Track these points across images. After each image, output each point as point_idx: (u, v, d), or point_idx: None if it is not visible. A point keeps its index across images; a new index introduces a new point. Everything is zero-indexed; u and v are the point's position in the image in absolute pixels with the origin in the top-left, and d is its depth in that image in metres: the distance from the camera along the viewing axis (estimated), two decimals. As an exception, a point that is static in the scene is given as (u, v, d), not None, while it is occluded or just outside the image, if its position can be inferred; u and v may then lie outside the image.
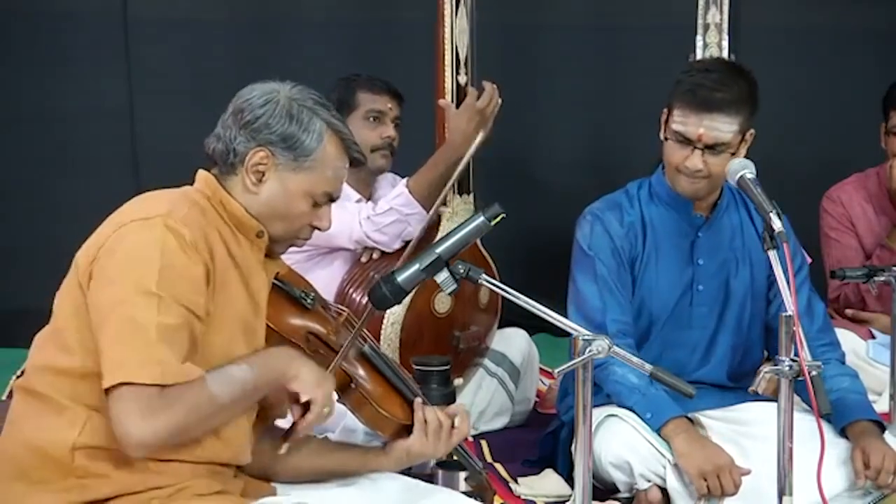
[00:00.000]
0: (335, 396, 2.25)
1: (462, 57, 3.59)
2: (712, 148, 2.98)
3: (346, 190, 3.69)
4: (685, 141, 3.01)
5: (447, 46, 3.57)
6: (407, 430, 2.41)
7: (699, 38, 3.68)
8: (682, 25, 3.84)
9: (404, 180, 3.61)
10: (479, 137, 3.51)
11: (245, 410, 2.21)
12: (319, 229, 2.34)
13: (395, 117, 3.81)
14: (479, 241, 3.72)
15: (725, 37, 3.68)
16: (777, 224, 2.60)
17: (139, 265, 2.08)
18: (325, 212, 2.33)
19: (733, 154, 3.00)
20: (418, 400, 2.42)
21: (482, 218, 2.33)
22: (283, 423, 2.41)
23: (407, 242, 3.59)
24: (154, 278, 2.06)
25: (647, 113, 3.33)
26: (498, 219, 2.32)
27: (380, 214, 3.56)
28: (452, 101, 3.59)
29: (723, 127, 2.98)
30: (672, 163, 3.06)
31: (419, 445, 2.40)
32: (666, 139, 3.06)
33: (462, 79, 3.59)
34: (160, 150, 4.78)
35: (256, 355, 2.20)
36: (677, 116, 3.01)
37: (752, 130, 3.05)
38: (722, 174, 2.98)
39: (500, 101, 3.58)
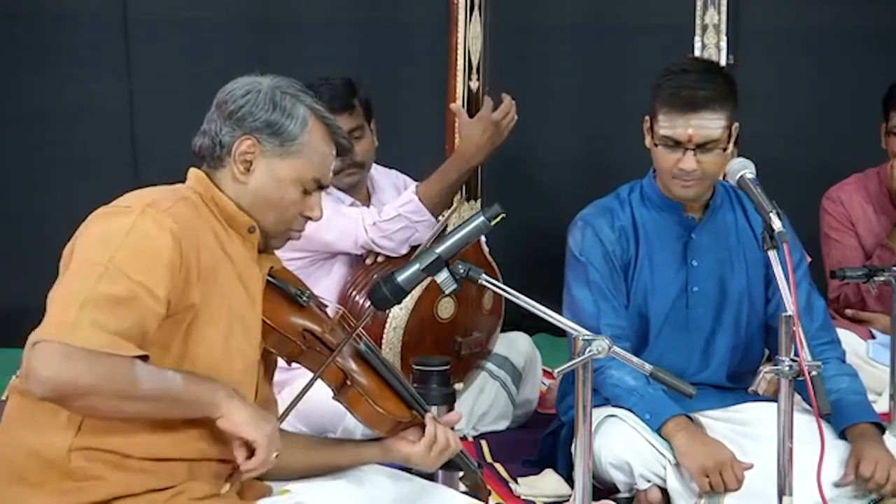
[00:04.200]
0: (275, 445, 2.16)
1: (475, 63, 3.56)
2: (703, 146, 2.99)
3: (338, 193, 3.68)
4: (675, 144, 3.01)
5: (460, 52, 3.54)
6: (403, 427, 2.42)
7: (697, 39, 3.68)
8: (681, 26, 3.84)
9: (413, 186, 3.59)
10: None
11: (160, 416, 2.10)
12: (311, 219, 2.34)
13: (352, 129, 3.60)
14: (482, 245, 3.72)
15: (724, 38, 3.69)
16: (777, 224, 2.60)
17: (102, 244, 2.10)
18: (316, 200, 2.33)
19: (724, 150, 3.01)
20: (430, 414, 2.42)
21: (482, 218, 2.33)
22: (284, 424, 2.41)
23: (413, 248, 3.58)
24: (109, 254, 2.07)
25: (645, 114, 3.33)
26: (498, 219, 2.32)
27: (387, 221, 3.53)
28: (463, 107, 3.56)
29: (710, 124, 2.98)
30: (665, 168, 3.06)
31: (420, 458, 2.40)
32: (655, 145, 3.06)
33: (474, 85, 3.56)
34: (160, 150, 4.78)
35: (197, 376, 2.12)
36: (663, 121, 3.01)
37: (736, 124, 3.06)
38: (716, 173, 3.00)
39: (516, 116, 3.57)
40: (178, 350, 2.15)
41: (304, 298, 2.35)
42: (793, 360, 2.44)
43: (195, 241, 2.15)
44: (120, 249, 2.07)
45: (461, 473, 2.63)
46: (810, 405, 2.50)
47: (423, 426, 2.42)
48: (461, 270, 2.34)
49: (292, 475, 2.40)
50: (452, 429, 2.48)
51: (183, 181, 2.32)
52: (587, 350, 2.26)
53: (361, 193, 3.80)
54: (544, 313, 2.33)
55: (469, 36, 3.55)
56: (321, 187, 2.33)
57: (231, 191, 2.28)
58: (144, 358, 2.05)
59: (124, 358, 2.01)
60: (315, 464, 2.41)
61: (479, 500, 2.54)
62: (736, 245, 3.20)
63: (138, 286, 2.05)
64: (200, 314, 2.15)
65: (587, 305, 3.12)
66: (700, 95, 2.98)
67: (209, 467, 2.21)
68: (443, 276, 2.32)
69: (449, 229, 3.58)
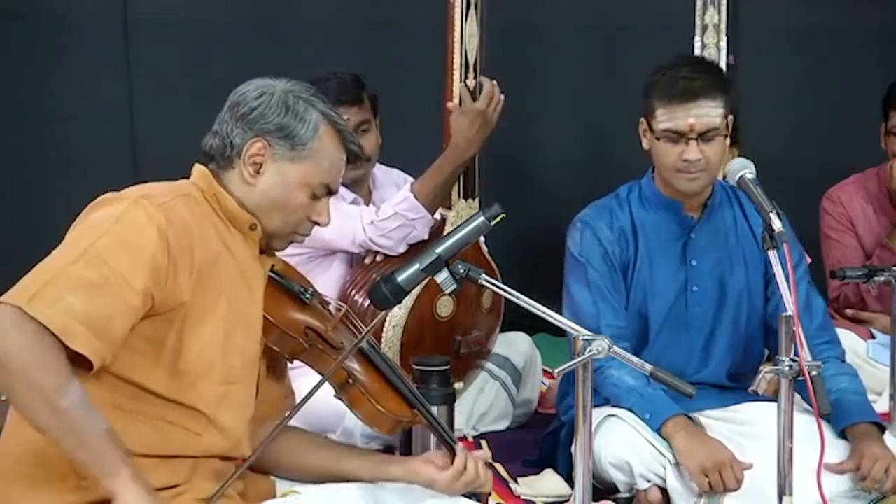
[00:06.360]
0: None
1: (471, 62, 3.55)
2: (704, 135, 3.00)
3: (341, 189, 3.67)
4: (677, 136, 3.02)
5: (456, 50, 3.53)
6: (404, 426, 2.42)
7: (697, 38, 3.68)
8: (681, 26, 3.84)
9: (408, 184, 3.59)
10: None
11: (59, 442, 1.98)
12: (319, 224, 2.34)
13: (360, 123, 3.66)
14: (482, 245, 3.72)
15: (724, 38, 3.69)
16: (777, 224, 2.61)
17: (89, 228, 2.11)
18: (324, 206, 2.33)
19: (725, 137, 3.04)
20: (461, 446, 2.41)
21: (482, 218, 2.33)
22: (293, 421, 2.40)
23: (412, 245, 3.57)
24: (93, 238, 2.07)
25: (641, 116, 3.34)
26: (498, 219, 2.33)
27: (384, 220, 3.52)
28: (460, 106, 3.55)
29: (710, 112, 3.01)
30: (668, 164, 3.06)
31: (445, 487, 2.37)
32: (657, 140, 3.06)
33: (471, 83, 3.54)
34: (160, 150, 4.77)
35: (118, 443, 2.00)
36: (663, 115, 3.03)
37: (731, 116, 3.08)
38: (718, 162, 3.03)
39: (502, 97, 3.56)
40: (173, 346, 2.15)
41: (308, 295, 2.36)
42: (793, 360, 2.44)
43: (189, 239, 2.15)
44: (105, 235, 2.08)
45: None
46: (810, 405, 2.50)
47: (431, 429, 2.42)
48: (461, 270, 2.34)
49: (302, 474, 2.39)
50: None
51: (185, 179, 2.32)
52: (587, 350, 2.26)
53: (363, 190, 3.80)
54: (544, 313, 2.33)
55: (465, 35, 3.55)
56: (330, 192, 2.34)
57: (238, 191, 2.28)
58: (90, 366, 2.01)
59: (67, 366, 1.97)
60: (335, 472, 2.39)
61: (479, 500, 2.54)
62: (735, 244, 3.20)
63: (114, 274, 2.04)
64: (193, 311, 2.15)
65: (587, 306, 3.12)
66: (696, 84, 3.01)
67: (212, 465, 2.22)
68: (443, 276, 2.32)
69: (446, 227, 3.59)
